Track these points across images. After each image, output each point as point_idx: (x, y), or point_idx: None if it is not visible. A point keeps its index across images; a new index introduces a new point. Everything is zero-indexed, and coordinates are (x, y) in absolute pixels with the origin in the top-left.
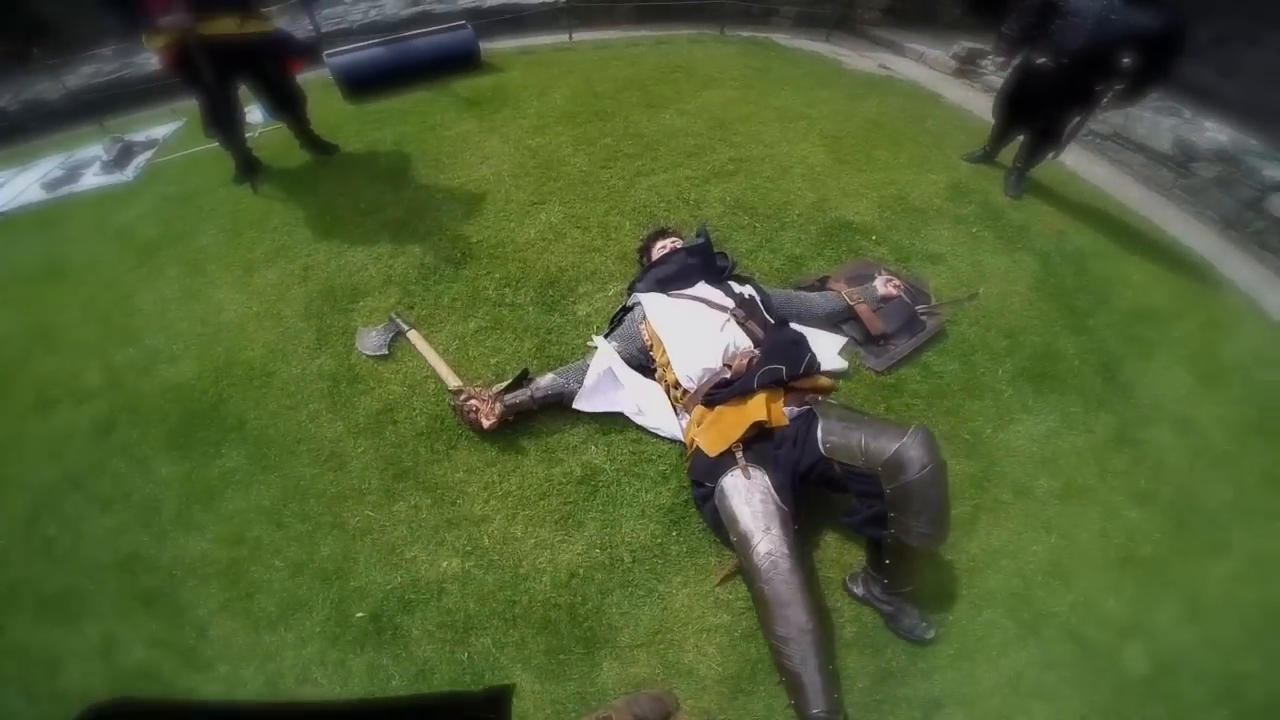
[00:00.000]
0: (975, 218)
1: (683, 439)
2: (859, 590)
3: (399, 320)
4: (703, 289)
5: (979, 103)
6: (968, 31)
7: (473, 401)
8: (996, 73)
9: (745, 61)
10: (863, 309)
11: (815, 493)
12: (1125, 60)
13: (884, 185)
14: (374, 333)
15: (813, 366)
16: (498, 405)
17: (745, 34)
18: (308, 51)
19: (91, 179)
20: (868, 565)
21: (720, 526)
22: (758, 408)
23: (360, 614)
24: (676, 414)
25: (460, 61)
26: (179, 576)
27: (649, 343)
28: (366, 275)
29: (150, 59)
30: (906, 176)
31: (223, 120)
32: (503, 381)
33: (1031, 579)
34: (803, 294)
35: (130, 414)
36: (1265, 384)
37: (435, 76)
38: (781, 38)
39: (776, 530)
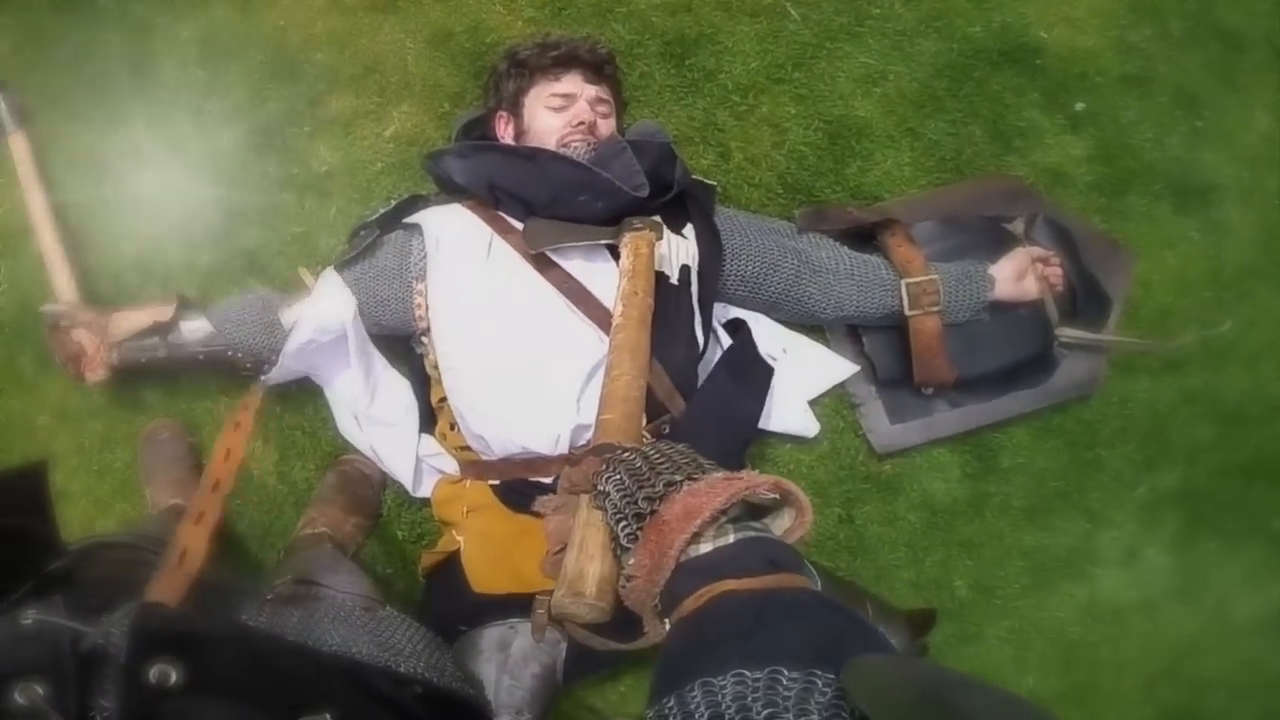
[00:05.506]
0: None
1: (413, 488)
2: None
3: (8, 101)
4: (581, 264)
5: None
6: None
7: (79, 334)
8: None
9: None
10: (926, 324)
11: None
12: None
13: None
14: None
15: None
16: (113, 354)
17: None
18: None
19: None
20: None
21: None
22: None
23: None
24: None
25: None
26: None
27: (420, 321)
28: None
29: None
30: None
31: None
32: (134, 310)
33: None
34: (818, 245)
35: None
36: None
37: None
38: None
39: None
